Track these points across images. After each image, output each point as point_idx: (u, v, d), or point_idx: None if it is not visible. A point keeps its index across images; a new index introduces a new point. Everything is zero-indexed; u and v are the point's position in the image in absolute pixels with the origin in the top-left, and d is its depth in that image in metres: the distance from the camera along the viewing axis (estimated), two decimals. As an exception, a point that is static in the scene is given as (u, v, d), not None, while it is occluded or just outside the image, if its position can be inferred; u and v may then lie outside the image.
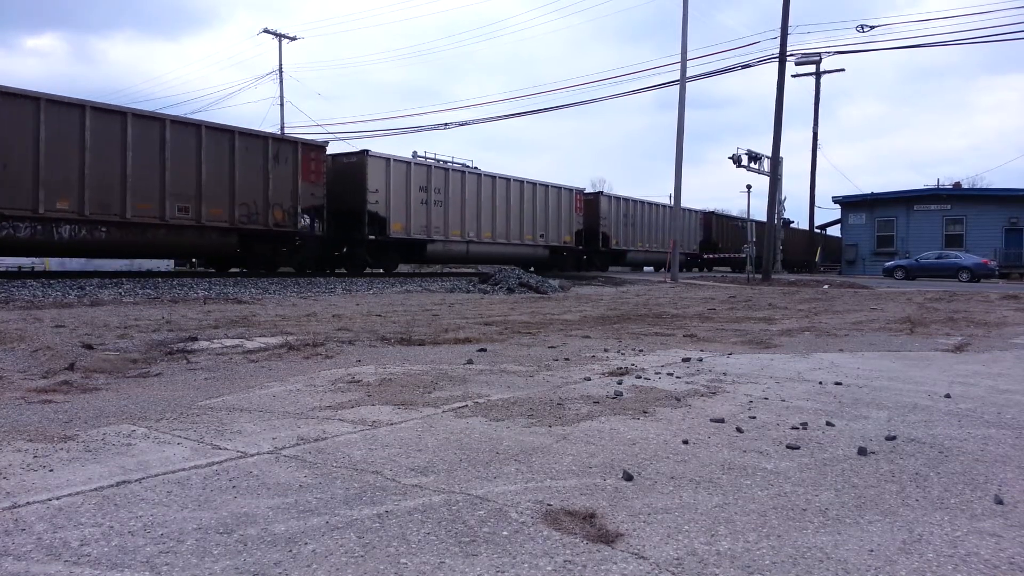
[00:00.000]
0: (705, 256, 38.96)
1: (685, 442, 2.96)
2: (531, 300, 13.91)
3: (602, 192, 32.82)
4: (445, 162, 23.96)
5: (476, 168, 24.77)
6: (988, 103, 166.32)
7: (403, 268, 25.89)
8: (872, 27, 31.80)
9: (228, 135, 17.12)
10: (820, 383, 4.44)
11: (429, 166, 22.63)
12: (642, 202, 33.74)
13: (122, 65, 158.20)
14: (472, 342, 6.40)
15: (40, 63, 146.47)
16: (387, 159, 20.99)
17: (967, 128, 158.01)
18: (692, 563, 1.78)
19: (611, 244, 31.19)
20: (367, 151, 20.69)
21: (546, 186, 27.58)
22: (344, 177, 20.43)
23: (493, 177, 24.99)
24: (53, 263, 28.27)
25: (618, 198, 32.40)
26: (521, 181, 26.46)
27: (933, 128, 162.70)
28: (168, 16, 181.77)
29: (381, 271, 22.72)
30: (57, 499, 2.17)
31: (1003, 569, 1.78)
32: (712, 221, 40.43)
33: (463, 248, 23.90)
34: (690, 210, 37.21)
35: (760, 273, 27.00)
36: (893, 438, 3.05)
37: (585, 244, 30.03)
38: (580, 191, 29.75)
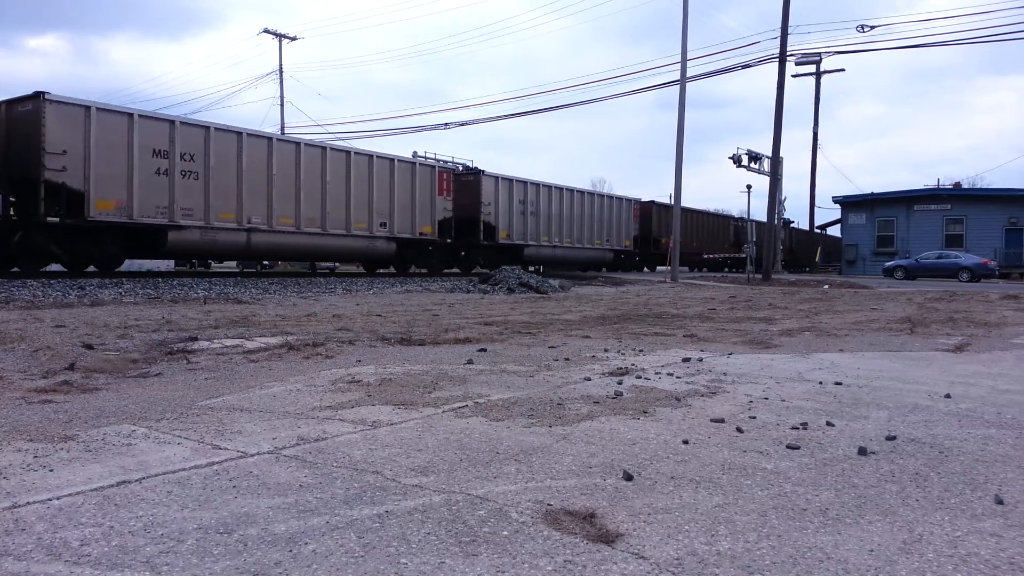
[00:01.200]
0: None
1: (685, 442, 2.95)
2: (531, 300, 13.91)
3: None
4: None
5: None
6: (987, 103, 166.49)
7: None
8: (872, 27, 31.87)
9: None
10: (820, 383, 4.44)
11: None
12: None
13: (124, 65, 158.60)
14: (472, 342, 6.40)
15: (42, 63, 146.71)
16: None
17: (966, 128, 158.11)
18: (692, 563, 1.78)
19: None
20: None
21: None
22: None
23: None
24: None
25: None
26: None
27: (933, 128, 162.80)
28: (171, 17, 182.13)
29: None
30: (57, 499, 2.17)
31: (1003, 569, 1.78)
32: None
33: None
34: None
35: (760, 273, 27.02)
36: (893, 438, 3.05)
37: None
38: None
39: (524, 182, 26.21)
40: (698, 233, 39.15)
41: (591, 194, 30.98)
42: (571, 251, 29.11)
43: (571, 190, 28.97)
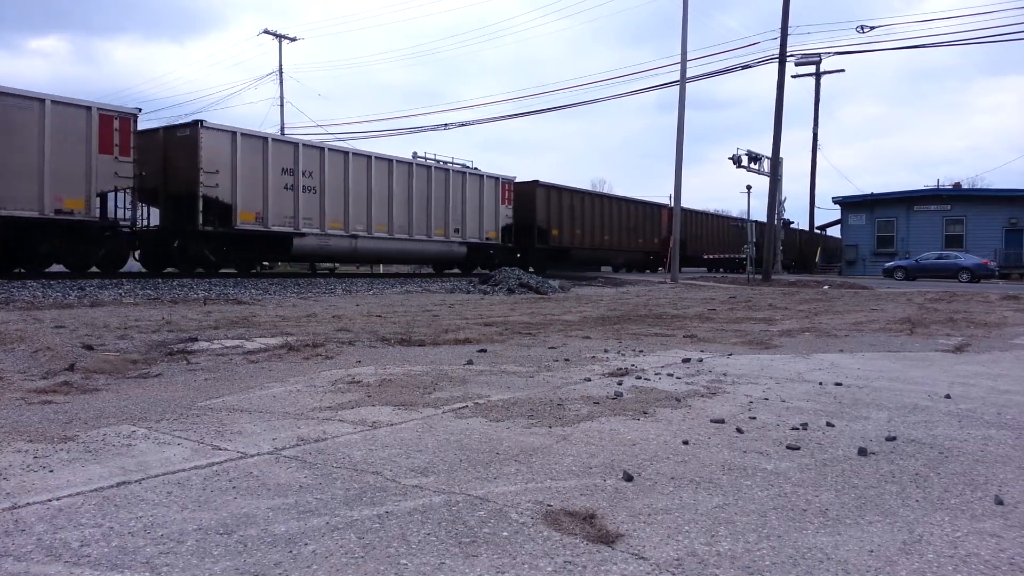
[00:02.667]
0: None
1: (685, 443, 2.95)
2: (531, 301, 13.91)
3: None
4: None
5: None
6: (986, 104, 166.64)
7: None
8: (872, 28, 31.88)
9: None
10: (820, 384, 4.44)
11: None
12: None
13: (125, 66, 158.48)
14: (472, 343, 6.40)
15: (44, 63, 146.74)
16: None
17: (966, 129, 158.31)
18: (692, 564, 1.78)
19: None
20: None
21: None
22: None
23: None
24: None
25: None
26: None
27: (933, 129, 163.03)
28: (173, 19, 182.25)
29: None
30: (57, 500, 2.17)
31: (1003, 570, 1.78)
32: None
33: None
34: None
35: (760, 273, 27.03)
36: (893, 439, 3.05)
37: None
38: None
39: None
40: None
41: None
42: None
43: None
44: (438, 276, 24.95)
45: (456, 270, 26.70)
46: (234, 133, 17.41)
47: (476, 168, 25.89)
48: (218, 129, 17.17)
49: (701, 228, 39.83)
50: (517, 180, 27.26)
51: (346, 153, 20.59)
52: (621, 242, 32.16)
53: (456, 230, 24.13)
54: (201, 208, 16.66)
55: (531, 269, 26.47)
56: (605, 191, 32.13)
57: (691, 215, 37.88)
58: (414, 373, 4.66)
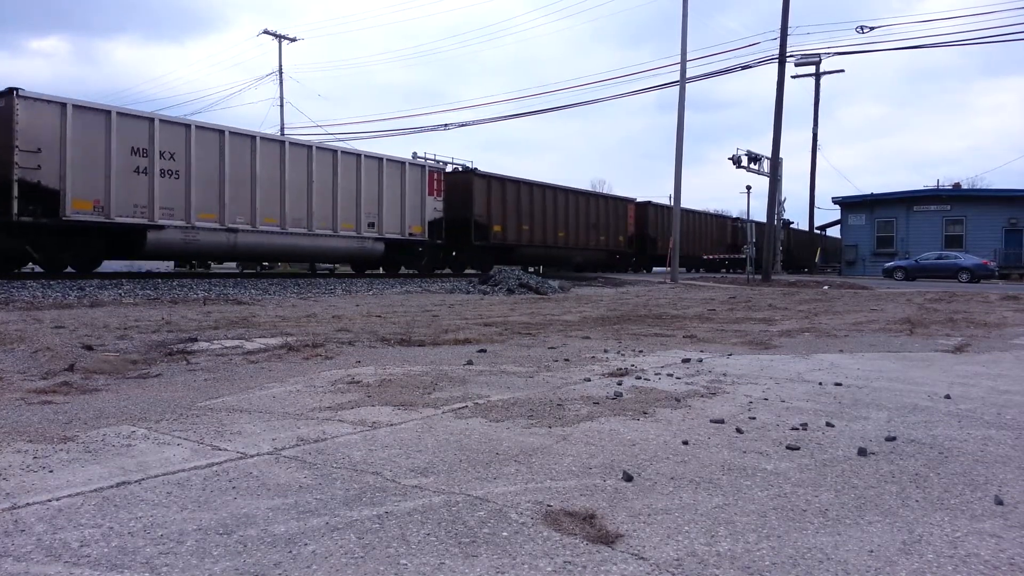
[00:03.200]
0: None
1: (685, 443, 2.95)
2: (531, 301, 13.91)
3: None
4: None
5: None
6: (986, 105, 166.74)
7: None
8: (872, 28, 31.89)
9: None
10: (820, 384, 4.44)
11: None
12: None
13: (126, 67, 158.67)
14: (472, 343, 6.40)
15: (45, 64, 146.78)
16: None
17: (966, 130, 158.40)
18: (692, 564, 1.78)
19: None
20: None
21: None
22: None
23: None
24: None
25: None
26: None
27: (932, 129, 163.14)
28: (174, 19, 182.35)
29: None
30: (57, 500, 2.17)
31: (1003, 570, 1.78)
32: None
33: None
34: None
35: (760, 274, 27.04)
36: (893, 439, 3.05)
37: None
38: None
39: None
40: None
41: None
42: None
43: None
44: (438, 277, 24.43)
45: (380, 270, 24.28)
46: (64, 105, 14.71)
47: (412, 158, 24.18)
48: (41, 100, 14.51)
49: (687, 226, 37.53)
50: (450, 169, 25.26)
51: (221, 132, 17.59)
52: (579, 240, 29.83)
53: (371, 224, 21.07)
54: (16, 194, 13.97)
55: (473, 270, 25.08)
56: (562, 184, 29.87)
57: (664, 211, 35.67)
58: (414, 373, 4.66)
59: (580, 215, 29.68)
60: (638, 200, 34.87)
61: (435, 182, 23.53)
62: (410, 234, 22.47)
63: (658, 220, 35.15)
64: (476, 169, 25.44)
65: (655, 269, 35.97)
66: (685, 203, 35.78)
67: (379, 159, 21.66)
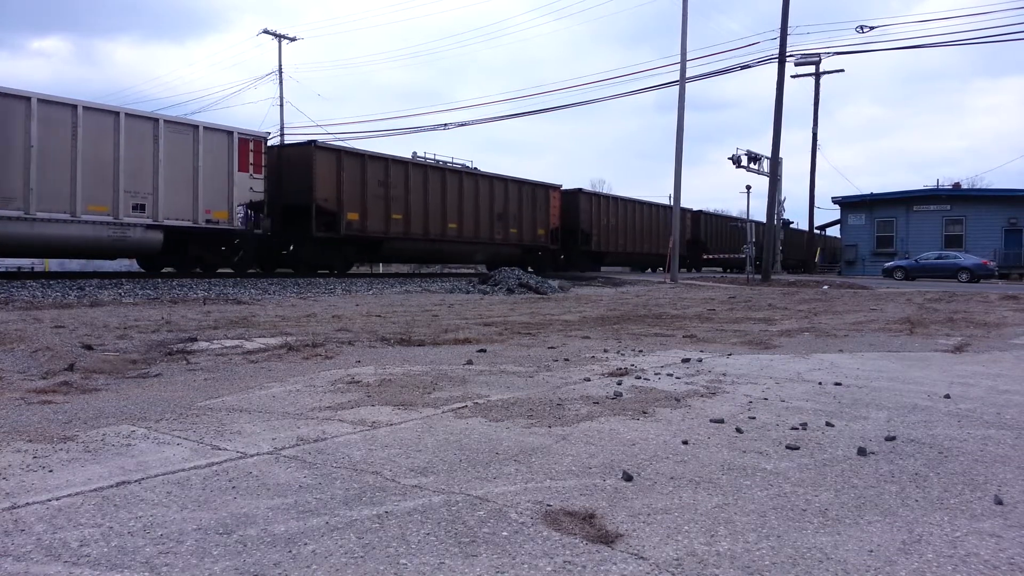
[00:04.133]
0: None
1: (685, 442, 2.95)
2: (531, 301, 13.91)
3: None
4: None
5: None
6: (984, 105, 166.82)
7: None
8: (871, 28, 31.90)
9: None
10: (820, 384, 4.44)
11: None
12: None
13: (127, 67, 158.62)
14: (472, 343, 6.40)
15: (45, 64, 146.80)
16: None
17: (964, 130, 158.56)
18: (692, 563, 1.78)
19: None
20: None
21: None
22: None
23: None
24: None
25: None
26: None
27: (931, 130, 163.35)
28: (174, 19, 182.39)
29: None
30: (57, 500, 2.17)
31: (1003, 569, 1.78)
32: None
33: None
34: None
35: (759, 274, 27.03)
36: (893, 438, 3.05)
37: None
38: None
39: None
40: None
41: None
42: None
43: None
44: (438, 276, 23.68)
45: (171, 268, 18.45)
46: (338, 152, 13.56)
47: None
48: (327, 148, 13.64)
49: (617, 218, 31.46)
50: (283, 143, 19.79)
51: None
52: (479, 232, 24.13)
53: (138, 207, 15.71)
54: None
55: (334, 272, 20.42)
56: (454, 165, 23.55)
57: (604, 202, 30.59)
58: (414, 373, 4.66)
59: (481, 203, 23.95)
60: (564, 187, 28.91)
61: (249, 153, 18.04)
62: (209, 221, 17.21)
63: (592, 211, 29.40)
64: (316, 141, 19.62)
65: (605, 269, 31.31)
66: (685, 203, 35.65)
67: (153, 120, 16.33)
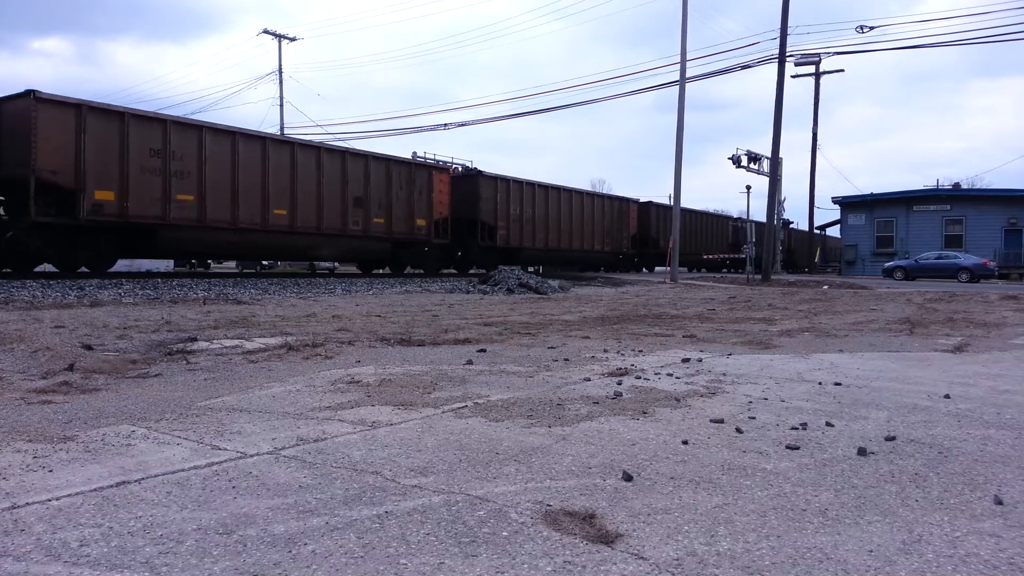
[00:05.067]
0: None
1: (685, 442, 2.95)
2: (531, 301, 13.91)
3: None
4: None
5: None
6: (982, 106, 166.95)
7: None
8: (871, 28, 31.87)
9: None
10: (820, 383, 4.44)
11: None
12: None
13: (127, 67, 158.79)
14: (472, 343, 6.40)
15: (46, 63, 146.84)
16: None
17: (963, 131, 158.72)
18: (692, 563, 1.78)
19: None
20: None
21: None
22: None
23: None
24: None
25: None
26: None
27: (931, 130, 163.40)
28: (174, 19, 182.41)
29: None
30: (56, 500, 2.17)
31: (1003, 570, 1.78)
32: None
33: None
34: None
35: (759, 274, 27.04)
36: (893, 438, 3.05)
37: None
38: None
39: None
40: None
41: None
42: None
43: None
44: (438, 276, 23.96)
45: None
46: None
47: None
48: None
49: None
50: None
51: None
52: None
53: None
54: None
55: (80, 269, 15.37)
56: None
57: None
58: (414, 373, 4.66)
59: (328, 185, 20.29)
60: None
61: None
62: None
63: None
64: (38, 92, 14.04)
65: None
66: (685, 203, 36.02)
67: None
